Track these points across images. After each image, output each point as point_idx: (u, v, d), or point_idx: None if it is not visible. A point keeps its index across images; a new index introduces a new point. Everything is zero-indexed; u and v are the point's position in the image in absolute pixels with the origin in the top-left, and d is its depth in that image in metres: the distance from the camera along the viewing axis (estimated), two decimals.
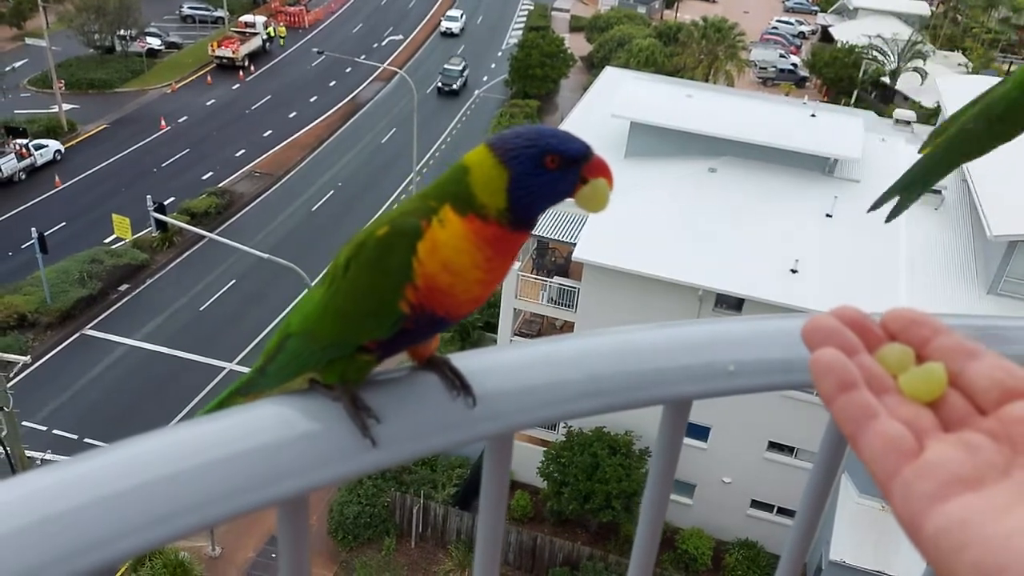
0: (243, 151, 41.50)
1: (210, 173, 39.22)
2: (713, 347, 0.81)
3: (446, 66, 51.10)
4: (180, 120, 44.44)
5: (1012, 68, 64.72)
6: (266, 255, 21.63)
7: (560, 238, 23.91)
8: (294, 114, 46.13)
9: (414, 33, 61.32)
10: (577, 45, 56.48)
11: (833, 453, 0.90)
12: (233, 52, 50.90)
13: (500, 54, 57.49)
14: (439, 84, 50.02)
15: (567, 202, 0.93)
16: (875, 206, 1.24)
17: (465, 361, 0.83)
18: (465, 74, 51.27)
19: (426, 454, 0.79)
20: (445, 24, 61.26)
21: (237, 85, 49.80)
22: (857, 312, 0.63)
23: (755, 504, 23.47)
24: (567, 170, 0.88)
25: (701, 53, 49.43)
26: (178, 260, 32.83)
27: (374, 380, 0.85)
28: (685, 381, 0.81)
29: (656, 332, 0.83)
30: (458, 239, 0.86)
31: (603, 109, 26.87)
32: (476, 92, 49.01)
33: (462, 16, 62.55)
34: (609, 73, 34.16)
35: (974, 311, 20.31)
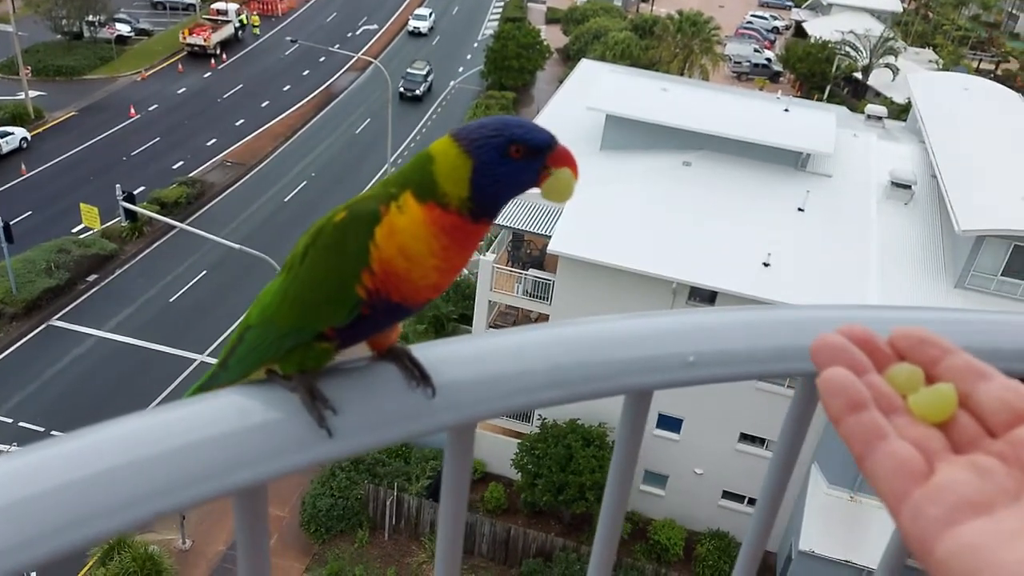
0: (214, 140, 41.02)
1: (181, 162, 38.73)
2: (673, 338, 0.81)
3: (409, 70, 47.87)
4: (150, 108, 43.81)
5: (981, 65, 65.86)
6: (237, 246, 21.41)
7: (535, 230, 23.93)
8: (267, 103, 45.65)
9: (389, 22, 60.90)
10: (553, 37, 56.45)
11: (792, 441, 0.90)
12: (205, 40, 50.22)
13: (476, 45, 57.30)
14: (401, 89, 45.70)
15: (536, 193, 0.92)
16: None
17: (425, 352, 0.83)
18: (430, 79, 48.28)
19: (385, 445, 0.78)
20: (413, 23, 58.59)
21: (209, 73, 49.16)
22: (865, 330, 0.63)
23: (726, 495, 23.72)
24: (532, 160, 0.87)
25: (676, 47, 49.64)
26: (148, 250, 32.40)
27: (332, 371, 0.84)
28: (646, 371, 0.81)
29: (617, 323, 0.83)
30: (416, 226, 0.85)
31: (579, 102, 26.89)
32: (451, 83, 48.77)
33: (431, 15, 59.82)
34: (585, 65, 34.19)
35: (942, 304, 20.61)
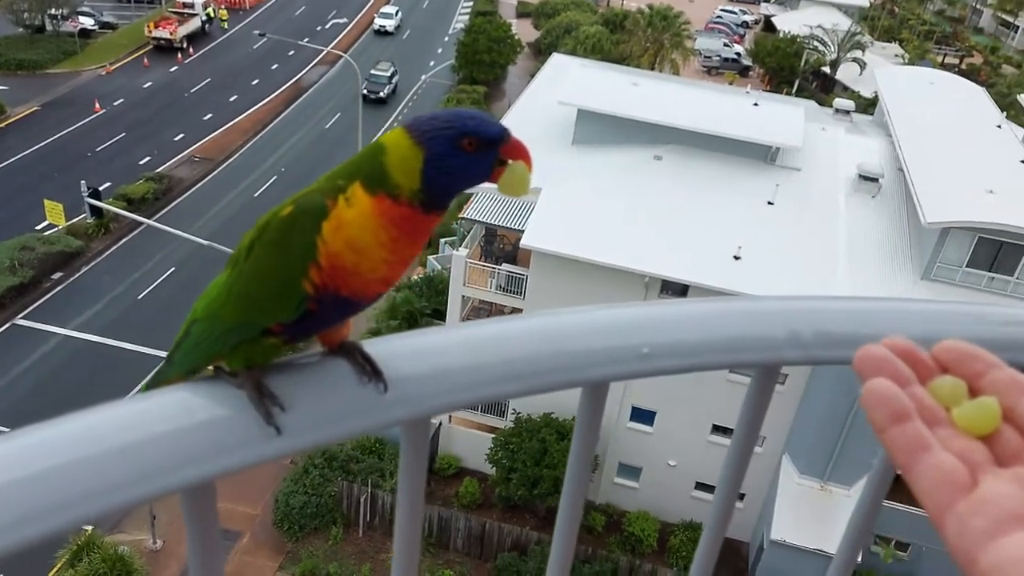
0: (182, 135, 40.48)
1: (148, 158, 38.17)
2: (627, 330, 0.82)
3: (373, 71, 46.20)
4: (116, 103, 43.11)
5: (946, 59, 66.87)
6: (206, 242, 21.16)
7: (508, 225, 23.93)
8: (235, 97, 45.13)
9: (359, 16, 60.45)
10: (524, 31, 56.42)
11: (749, 431, 0.92)
12: (171, 33, 49.51)
13: (447, 39, 57.09)
14: (364, 91, 42.97)
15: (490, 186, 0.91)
16: None
17: (378, 346, 0.82)
18: (394, 80, 47.06)
19: (337, 440, 0.77)
20: (379, 22, 57.23)
21: (175, 67, 48.49)
22: (908, 343, 0.63)
23: (699, 486, 23.94)
24: (485, 152, 0.87)
25: (647, 41, 49.84)
26: (115, 247, 31.92)
27: (282, 367, 0.82)
28: (601, 364, 0.81)
29: (572, 316, 0.83)
30: (365, 218, 0.85)
31: (551, 96, 26.90)
32: (422, 77, 48.54)
33: (397, 13, 58.42)
34: (556, 60, 34.20)
35: (909, 296, 20.97)
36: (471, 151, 0.86)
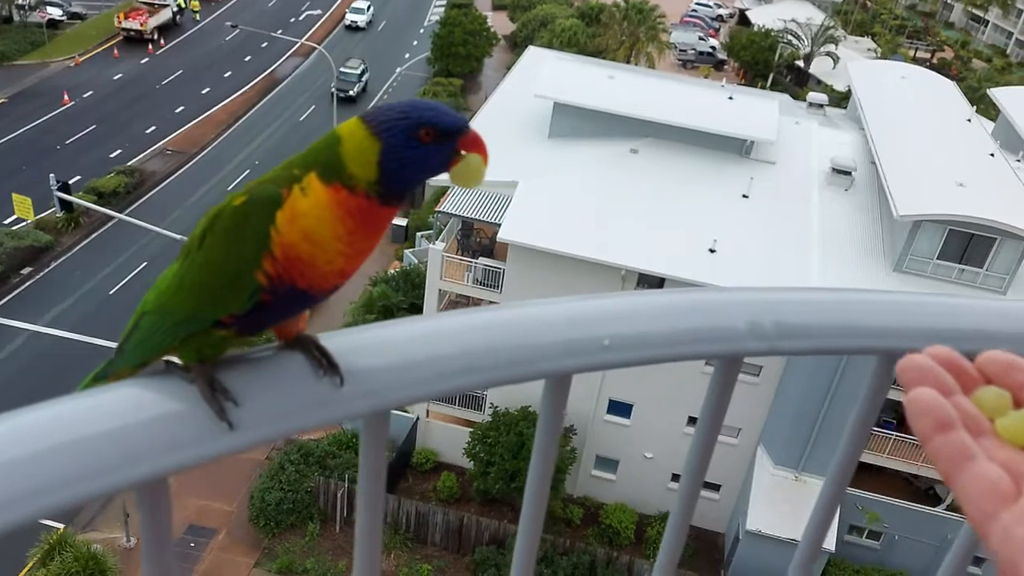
0: (154, 128, 39.96)
1: (119, 151, 37.64)
2: (589, 322, 0.81)
3: (343, 69, 44.29)
4: (85, 95, 42.44)
5: (918, 53, 67.63)
6: (179, 236, 20.90)
7: (485, 219, 23.88)
8: (207, 90, 44.60)
9: (333, 7, 59.94)
10: (500, 24, 56.26)
11: (712, 422, 0.92)
12: (141, 24, 48.79)
13: (422, 31, 56.81)
14: (334, 89, 41.38)
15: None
16: None
17: (335, 340, 0.81)
18: (364, 78, 45.83)
19: (292, 435, 0.75)
20: (350, 17, 56.06)
21: (146, 59, 47.82)
22: (951, 352, 0.63)
23: (676, 477, 24.10)
24: (441, 144, 0.87)
25: (623, 34, 49.91)
26: (85, 242, 31.46)
27: (236, 361, 0.81)
28: (563, 356, 0.80)
29: (533, 308, 0.83)
30: (320, 208, 0.83)
31: (527, 89, 26.88)
32: (397, 70, 48.24)
33: (369, 8, 57.23)
34: (532, 53, 34.16)
35: (881, 288, 21.21)
36: (428, 142, 0.85)
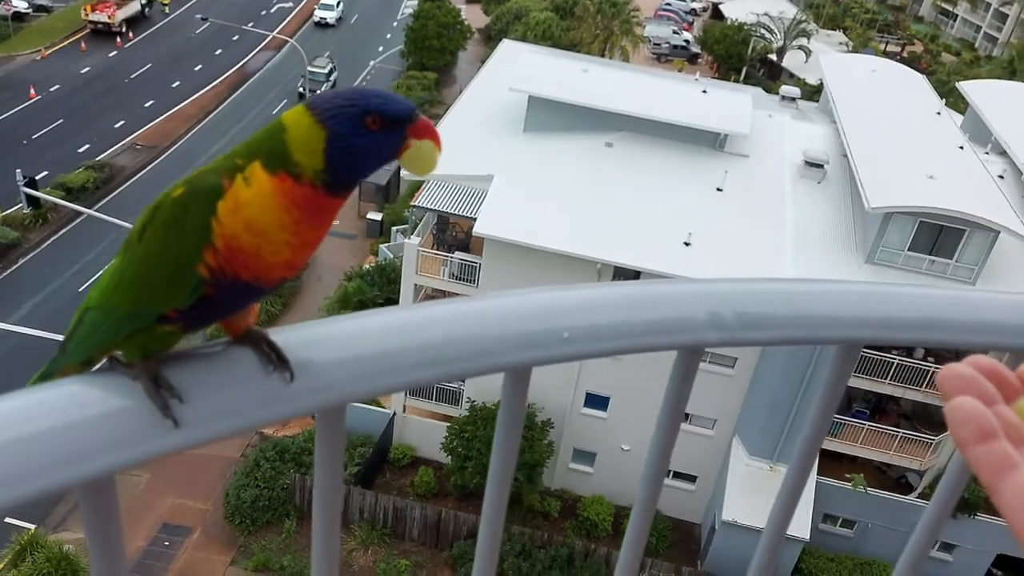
0: (123, 122, 39.38)
1: (87, 145, 37.06)
2: (547, 315, 0.81)
3: (310, 68, 42.80)
4: (52, 89, 41.73)
5: (888, 47, 68.38)
6: None
7: (460, 213, 23.82)
8: (178, 83, 44.04)
9: (304, 1, 59.37)
10: (474, 17, 56.09)
11: (673, 413, 0.93)
12: (109, 17, 48.04)
13: (396, 24, 56.46)
14: (301, 89, 40.79)
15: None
16: None
17: (288, 334, 0.79)
18: (333, 77, 45.09)
19: (241, 431, 0.74)
20: (319, 14, 54.90)
21: (114, 52, 47.09)
22: (993, 362, 0.63)
23: None
24: (390, 131, 0.85)
25: (597, 28, 49.95)
26: (54, 238, 30.96)
27: (182, 356, 0.79)
28: (522, 348, 0.79)
29: (491, 301, 0.82)
30: (264, 198, 0.82)
31: (501, 82, 26.80)
32: (371, 63, 47.93)
33: (339, 4, 56.18)
34: (507, 46, 34.08)
35: (853, 279, 21.42)
36: (376, 130, 0.83)
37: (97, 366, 0.90)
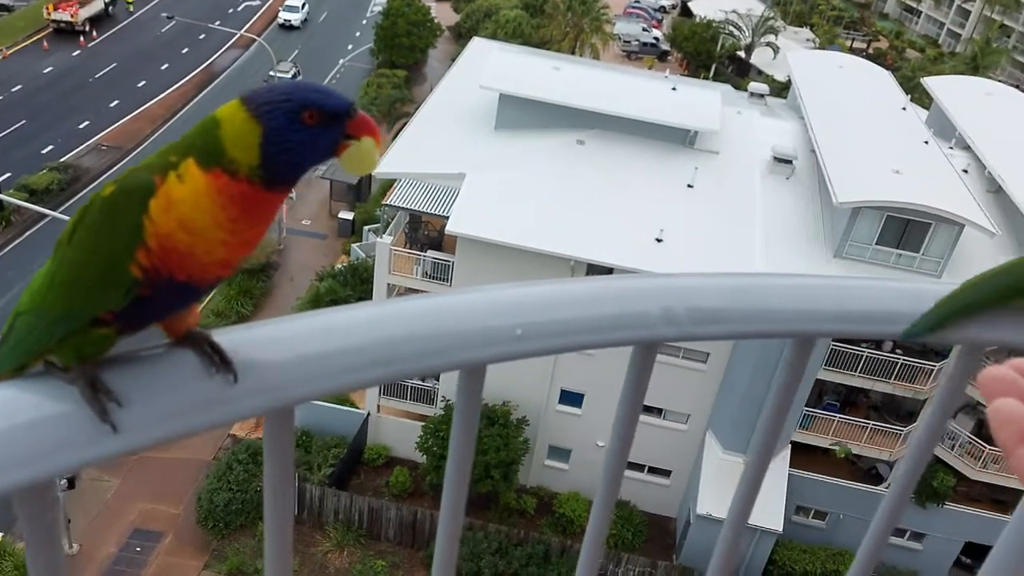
0: (87, 123, 38.74)
1: (51, 147, 36.42)
2: (500, 312, 0.80)
3: (272, 73, 42.49)
4: (13, 89, 40.94)
5: (854, 44, 69.19)
6: None
7: (433, 211, 23.75)
8: (143, 83, 43.40)
9: None
10: (444, 15, 55.92)
11: (631, 407, 0.93)
12: (72, 16, 47.22)
13: (365, 22, 56.11)
14: None
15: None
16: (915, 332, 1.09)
17: (230, 335, 0.77)
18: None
19: (184, 435, 0.72)
20: (283, 15, 53.93)
21: (78, 52, 46.31)
22: None
23: (628, 465, 24.27)
24: (328, 127, 0.83)
25: (567, 25, 50.04)
26: (17, 241, 30.40)
27: (122, 360, 0.76)
28: (474, 346, 0.79)
29: (443, 299, 0.81)
30: (198, 195, 0.80)
31: (472, 80, 26.74)
32: (340, 61, 47.58)
33: (304, 6, 55.36)
34: (477, 44, 34.00)
35: (822, 274, 21.70)
36: (313, 125, 0.82)
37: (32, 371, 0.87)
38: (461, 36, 51.18)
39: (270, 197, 0.83)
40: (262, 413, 0.74)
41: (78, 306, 0.81)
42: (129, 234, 0.78)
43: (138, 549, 21.19)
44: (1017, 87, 41.86)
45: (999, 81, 43.13)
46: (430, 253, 23.83)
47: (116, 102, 40.97)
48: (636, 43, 59.33)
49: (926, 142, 25.53)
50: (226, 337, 0.76)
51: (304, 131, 0.81)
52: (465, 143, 24.85)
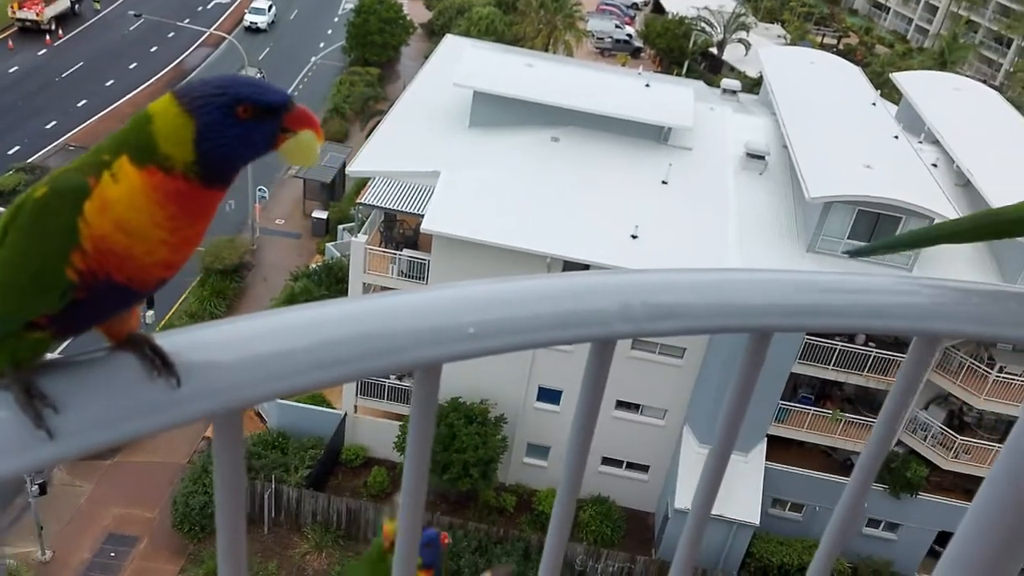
0: (54, 123, 38.15)
1: (17, 147, 35.82)
2: (452, 311, 0.78)
3: None
4: None
5: (825, 39, 69.82)
6: None
7: (408, 210, 23.65)
8: (112, 82, 42.80)
9: None
10: (416, 12, 55.67)
11: (591, 402, 0.92)
12: (37, 14, 46.45)
13: (336, 19, 55.75)
14: None
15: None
16: (858, 253, 1.17)
17: (173, 337, 0.74)
18: None
19: (124, 441, 0.70)
20: (250, 18, 52.61)
21: (44, 51, 45.56)
22: None
23: (606, 461, 24.47)
24: (264, 121, 0.82)
25: (540, 22, 50.05)
26: None
27: (59, 364, 0.74)
28: (427, 345, 0.78)
29: (395, 298, 0.80)
30: (134, 195, 0.78)
31: (446, 78, 26.67)
32: (312, 59, 47.22)
33: (270, 8, 53.85)
34: (450, 41, 33.91)
35: (796, 268, 21.93)
36: (248, 119, 0.80)
37: None
38: (434, 33, 50.99)
39: (209, 193, 0.81)
40: (207, 417, 0.72)
41: (10, 310, 0.78)
42: (63, 237, 0.77)
43: (112, 554, 20.92)
44: (984, 82, 42.55)
45: (966, 76, 43.82)
46: (405, 252, 23.74)
47: (84, 102, 40.38)
48: (609, 40, 59.47)
49: (896, 137, 25.85)
50: (169, 339, 0.74)
51: (239, 125, 0.80)
52: (439, 141, 24.78)
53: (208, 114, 0.79)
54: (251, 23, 52.49)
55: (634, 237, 21.81)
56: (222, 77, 0.81)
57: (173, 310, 28.17)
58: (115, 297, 0.81)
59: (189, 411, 0.70)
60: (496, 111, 25.71)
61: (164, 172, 0.78)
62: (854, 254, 1.12)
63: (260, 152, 0.83)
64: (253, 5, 53.90)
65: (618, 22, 62.76)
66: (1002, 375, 22.16)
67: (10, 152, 35.32)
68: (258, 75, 43.85)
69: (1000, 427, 23.96)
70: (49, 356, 0.79)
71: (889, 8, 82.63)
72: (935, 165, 26.24)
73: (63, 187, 0.78)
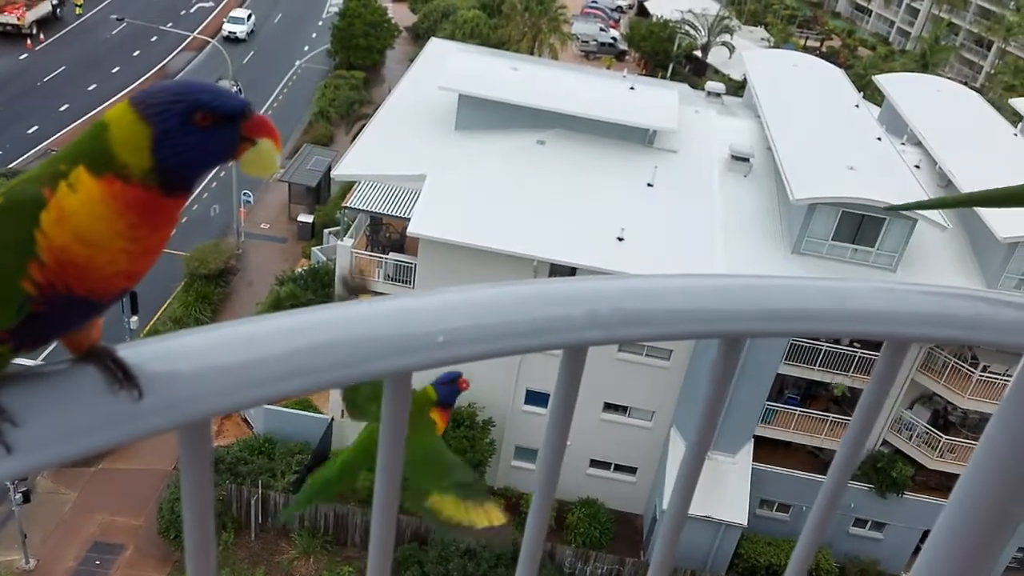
0: (36, 127, 37.86)
1: None
2: (421, 319, 0.78)
3: None
4: None
5: (808, 42, 70.28)
6: None
7: (394, 213, 23.61)
8: (94, 86, 42.51)
9: (226, 0, 58.01)
10: (401, 15, 55.66)
11: (565, 406, 0.92)
12: (18, 19, 46.09)
13: (321, 23, 55.64)
14: None
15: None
16: (895, 208, 1.21)
17: (136, 349, 0.73)
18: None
19: (85, 455, 0.68)
20: (228, 27, 51.40)
21: (25, 55, 45.23)
22: None
23: (594, 463, 24.50)
24: (223, 129, 0.81)
25: (525, 25, 50.14)
26: None
27: (17, 378, 0.72)
28: (395, 354, 0.77)
29: (363, 307, 0.79)
30: (92, 205, 0.77)
31: (431, 81, 26.66)
32: (297, 63, 47.08)
33: (250, 17, 52.67)
34: (435, 45, 33.91)
35: (781, 271, 22.10)
36: (206, 127, 0.79)
37: None
38: (419, 37, 50.98)
39: (169, 201, 0.80)
40: (172, 429, 0.71)
41: None
42: (18, 250, 0.75)
43: (98, 563, 20.74)
44: (965, 84, 42.98)
45: (947, 78, 44.25)
46: (392, 255, 23.70)
47: (66, 106, 40.08)
48: (594, 43, 59.66)
49: (879, 139, 26.04)
50: (133, 351, 0.73)
51: (196, 133, 0.79)
52: (425, 144, 24.76)
53: (165, 121, 0.78)
54: (230, 33, 51.12)
55: (620, 239, 21.86)
56: (179, 83, 0.80)
57: (158, 315, 27.99)
58: (75, 310, 0.80)
59: (152, 423, 0.69)
60: (482, 114, 25.72)
61: (122, 181, 0.77)
62: (891, 209, 1.11)
63: (219, 160, 0.82)
64: (232, 15, 53.01)
65: (603, 25, 62.98)
66: (986, 374, 22.35)
67: None
68: (234, 87, 43.66)
69: (984, 426, 24.15)
70: (11, 368, 0.78)
71: (871, 11, 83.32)
72: (918, 166, 26.47)
73: (18, 198, 0.77)
